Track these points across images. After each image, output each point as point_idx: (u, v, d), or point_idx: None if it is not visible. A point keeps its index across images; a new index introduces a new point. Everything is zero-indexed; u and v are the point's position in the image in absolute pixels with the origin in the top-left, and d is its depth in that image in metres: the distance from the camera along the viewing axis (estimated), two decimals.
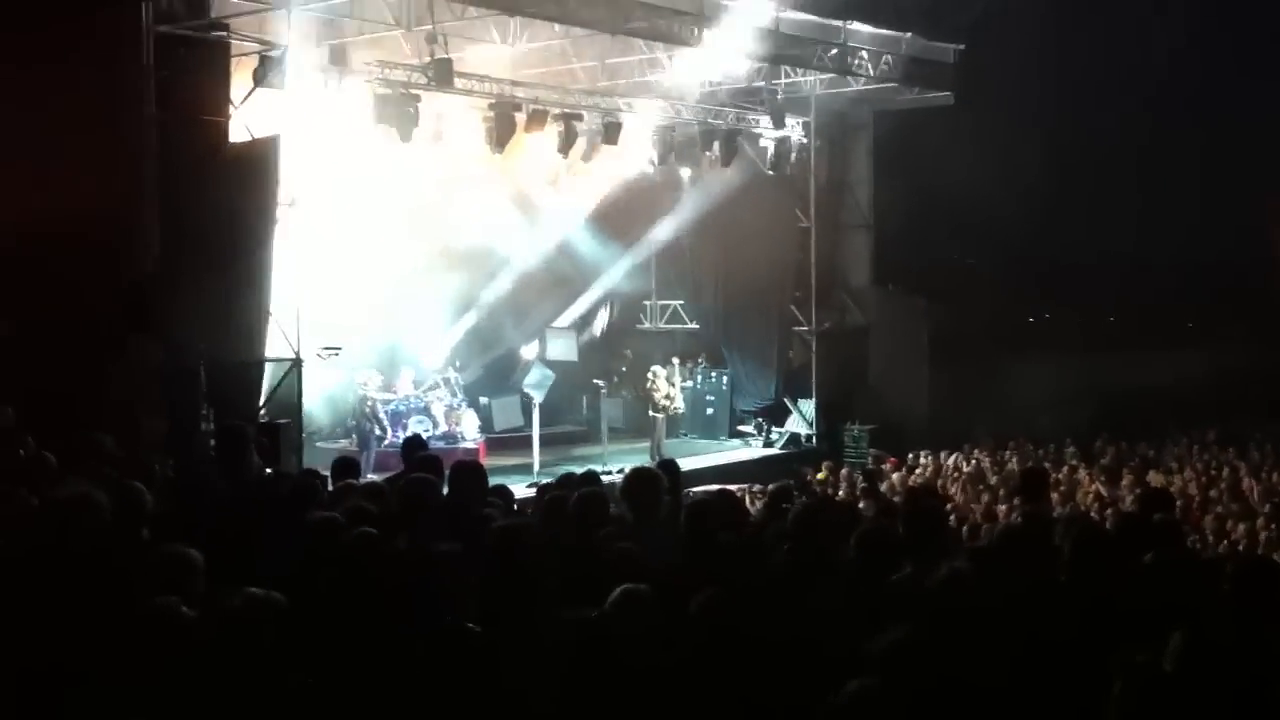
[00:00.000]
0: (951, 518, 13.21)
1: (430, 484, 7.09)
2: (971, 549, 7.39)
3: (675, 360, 22.31)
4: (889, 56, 20.89)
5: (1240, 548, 13.09)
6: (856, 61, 20.58)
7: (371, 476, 11.85)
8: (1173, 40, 24.87)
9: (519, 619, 4.94)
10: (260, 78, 15.29)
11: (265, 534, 6.49)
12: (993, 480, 17.63)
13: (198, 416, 13.93)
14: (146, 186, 14.16)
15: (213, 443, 11.87)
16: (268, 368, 15.44)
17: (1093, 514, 14.36)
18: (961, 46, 21.85)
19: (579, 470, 10.25)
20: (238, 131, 15.37)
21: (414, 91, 17.20)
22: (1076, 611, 5.51)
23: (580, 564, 5.84)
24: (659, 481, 7.12)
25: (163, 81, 14.35)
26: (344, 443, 19.29)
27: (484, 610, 5.07)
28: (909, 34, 21.15)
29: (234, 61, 15.37)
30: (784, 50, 19.54)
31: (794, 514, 6.48)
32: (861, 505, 12.87)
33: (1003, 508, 14.94)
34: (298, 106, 15.47)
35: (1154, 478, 17.01)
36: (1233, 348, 25.91)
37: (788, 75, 21.33)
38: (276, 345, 15.49)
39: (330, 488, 8.37)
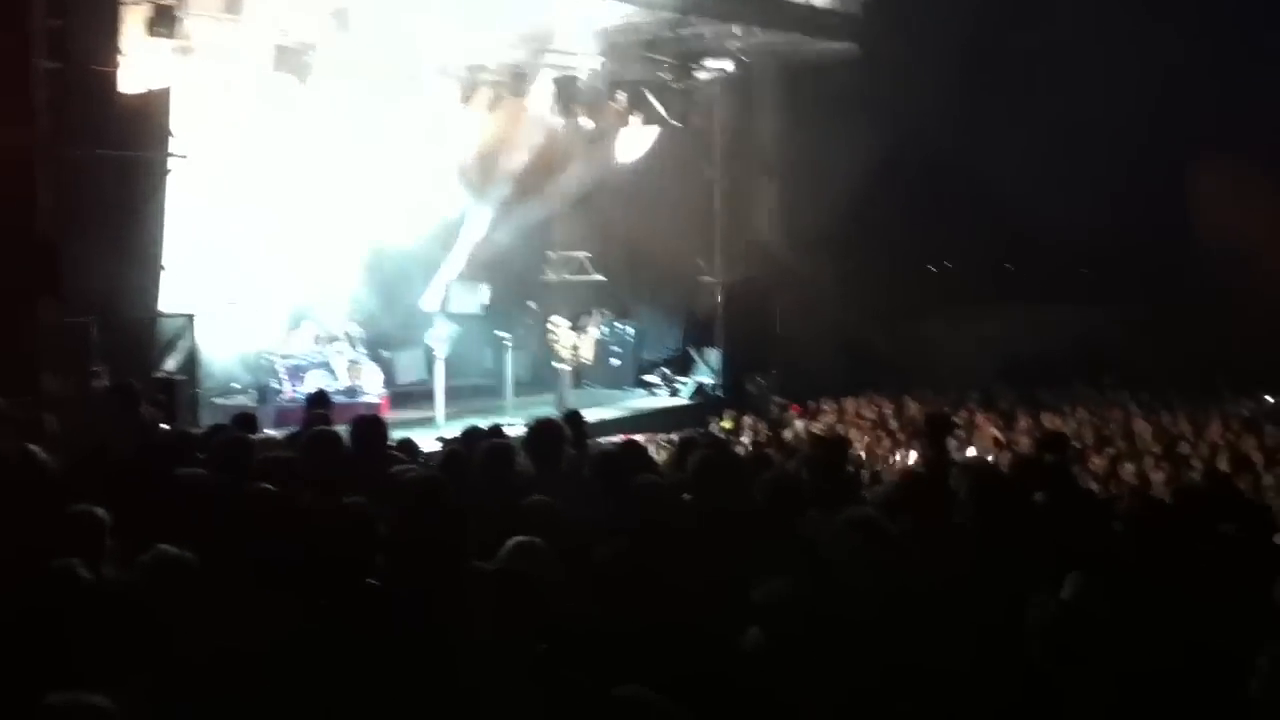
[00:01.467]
0: (853, 463, 13.37)
1: (333, 438, 7.02)
2: (872, 494, 7.49)
3: (595, 311, 22.38)
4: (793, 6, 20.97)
5: (1132, 486, 13.40)
6: (759, 12, 20.61)
7: (270, 432, 11.67)
8: None
9: (435, 574, 4.88)
10: (153, 27, 14.91)
11: (173, 491, 6.31)
12: (894, 426, 17.86)
13: (88, 373, 13.63)
14: (39, 140, 13.75)
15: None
16: (162, 323, 15.17)
17: (990, 457, 14.63)
18: None
19: (484, 424, 10.19)
20: (128, 83, 14.98)
21: (310, 41, 16.89)
22: (975, 553, 5.62)
23: (491, 518, 5.80)
24: (561, 432, 7.13)
25: (53, 32, 13.91)
26: (242, 399, 18.98)
27: (395, 565, 5.02)
28: None
29: (125, 10, 14.95)
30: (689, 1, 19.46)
31: (697, 461, 6.49)
32: (768, 452, 12.98)
33: (903, 452, 15.18)
34: (191, 56, 15.12)
35: (1049, 420, 17.34)
36: (1133, 305, 26.33)
37: (693, 25, 21.25)
38: (171, 300, 15.20)
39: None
